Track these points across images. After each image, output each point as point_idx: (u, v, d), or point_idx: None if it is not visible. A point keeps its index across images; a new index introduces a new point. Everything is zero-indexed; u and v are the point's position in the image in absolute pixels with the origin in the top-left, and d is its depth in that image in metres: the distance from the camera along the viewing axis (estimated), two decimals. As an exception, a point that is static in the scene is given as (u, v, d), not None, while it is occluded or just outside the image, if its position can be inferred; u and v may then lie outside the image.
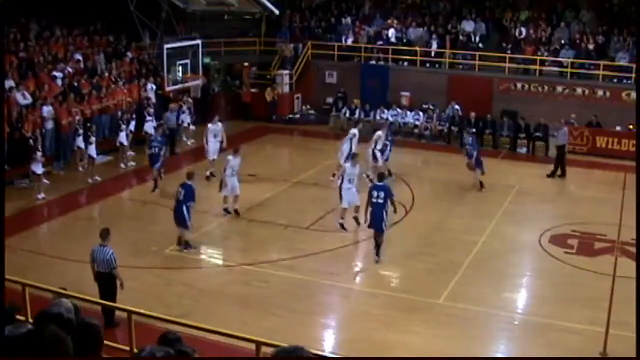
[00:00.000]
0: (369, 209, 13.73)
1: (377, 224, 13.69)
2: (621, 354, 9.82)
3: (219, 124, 19.32)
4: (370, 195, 13.76)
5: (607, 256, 14.28)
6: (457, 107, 24.32)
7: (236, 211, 16.21)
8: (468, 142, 19.39)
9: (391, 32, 27.75)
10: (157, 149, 18.07)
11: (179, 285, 12.79)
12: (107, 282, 10.74)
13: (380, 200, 13.56)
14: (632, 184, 17.40)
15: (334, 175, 17.90)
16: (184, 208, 13.69)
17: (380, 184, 13.98)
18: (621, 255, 14.20)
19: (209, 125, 19.19)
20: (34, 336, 3.78)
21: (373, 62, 27.28)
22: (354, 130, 19.30)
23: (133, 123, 21.18)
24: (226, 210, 16.23)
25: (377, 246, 13.89)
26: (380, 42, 27.56)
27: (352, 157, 16.10)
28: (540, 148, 22.89)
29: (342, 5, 29.96)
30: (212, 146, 18.91)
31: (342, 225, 15.45)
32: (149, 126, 21.62)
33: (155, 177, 17.98)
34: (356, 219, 15.48)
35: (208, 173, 18.50)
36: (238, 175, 16.21)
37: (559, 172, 20.03)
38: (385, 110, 25.39)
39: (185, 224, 13.85)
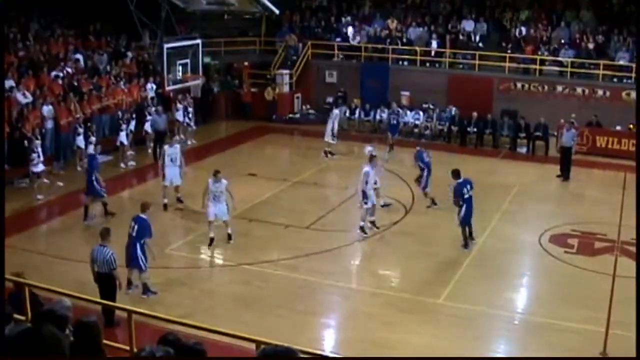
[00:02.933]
0: None
1: None
2: (621, 354, 9.82)
3: (177, 146, 17.11)
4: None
5: (607, 256, 14.28)
6: (454, 110, 24.36)
7: (229, 236, 14.50)
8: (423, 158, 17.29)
9: (350, 30, 28.01)
10: (96, 171, 15.79)
11: (179, 285, 12.78)
12: (107, 282, 10.73)
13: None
14: (632, 184, 17.41)
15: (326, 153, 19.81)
16: (138, 246, 11.73)
17: None
18: (621, 255, 14.20)
19: (166, 147, 17.20)
20: (30, 335, 3.78)
21: (336, 59, 27.73)
22: (336, 111, 21.02)
23: (133, 123, 21.19)
24: (212, 240, 14.32)
25: None
26: (339, 39, 27.85)
27: (370, 159, 15.40)
28: (540, 148, 22.88)
29: (342, 5, 29.97)
30: (169, 172, 16.68)
31: (363, 229, 15.09)
32: (149, 126, 21.64)
33: (88, 204, 15.89)
34: (373, 222, 15.37)
35: (164, 202, 16.75)
36: (221, 199, 14.21)
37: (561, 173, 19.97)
38: (386, 110, 25.40)
39: (139, 264, 11.78)
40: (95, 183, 15.79)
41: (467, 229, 14.38)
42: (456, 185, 14.34)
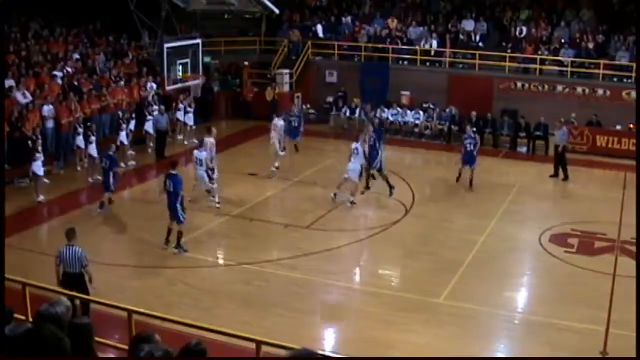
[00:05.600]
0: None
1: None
2: (621, 353, 9.82)
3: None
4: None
5: (607, 255, 14.28)
6: (455, 110, 24.37)
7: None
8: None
9: (319, 28, 28.25)
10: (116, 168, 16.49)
11: (179, 284, 12.78)
12: (77, 282, 10.41)
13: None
14: (632, 183, 17.42)
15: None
16: (176, 200, 13.53)
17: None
18: (621, 254, 14.20)
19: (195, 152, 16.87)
20: (32, 335, 3.78)
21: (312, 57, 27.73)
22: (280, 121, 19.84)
23: (133, 122, 21.18)
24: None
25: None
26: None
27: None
28: (540, 147, 22.89)
29: (342, 5, 29.98)
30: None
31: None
32: (149, 125, 21.64)
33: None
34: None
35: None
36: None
37: (561, 175, 19.83)
38: (386, 110, 25.42)
39: (177, 216, 13.68)
40: (111, 179, 16.35)
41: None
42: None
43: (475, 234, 15.28)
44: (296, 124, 21.59)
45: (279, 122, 19.73)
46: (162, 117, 21.52)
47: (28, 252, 13.57)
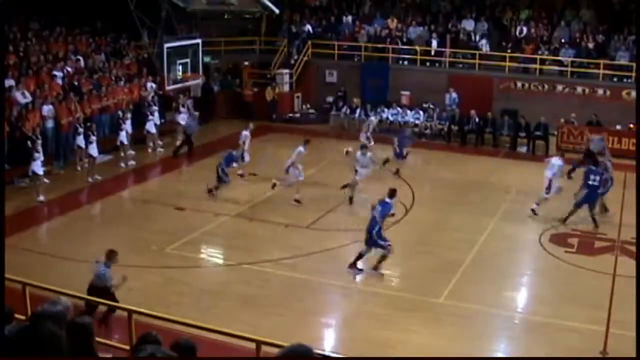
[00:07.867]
0: None
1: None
2: (621, 353, 9.83)
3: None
4: None
5: (607, 255, 14.29)
6: (454, 95, 24.34)
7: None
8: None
9: (308, 27, 28.37)
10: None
11: (179, 284, 12.79)
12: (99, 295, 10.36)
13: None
14: (632, 183, 17.40)
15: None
16: (375, 227, 12.88)
17: None
18: (621, 254, 14.21)
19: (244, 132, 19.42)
20: (30, 334, 3.78)
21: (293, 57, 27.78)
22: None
23: (128, 122, 21.06)
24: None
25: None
26: (297, 40, 28.05)
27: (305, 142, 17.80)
28: (540, 147, 22.88)
29: (342, 5, 29.97)
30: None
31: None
32: (150, 125, 21.62)
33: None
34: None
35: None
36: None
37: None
38: (386, 110, 25.43)
39: (369, 243, 13.05)
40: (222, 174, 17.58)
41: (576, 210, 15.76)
42: (587, 169, 16.12)
43: (475, 234, 15.29)
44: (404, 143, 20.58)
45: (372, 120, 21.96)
46: (193, 121, 22.14)
47: (28, 252, 13.57)
